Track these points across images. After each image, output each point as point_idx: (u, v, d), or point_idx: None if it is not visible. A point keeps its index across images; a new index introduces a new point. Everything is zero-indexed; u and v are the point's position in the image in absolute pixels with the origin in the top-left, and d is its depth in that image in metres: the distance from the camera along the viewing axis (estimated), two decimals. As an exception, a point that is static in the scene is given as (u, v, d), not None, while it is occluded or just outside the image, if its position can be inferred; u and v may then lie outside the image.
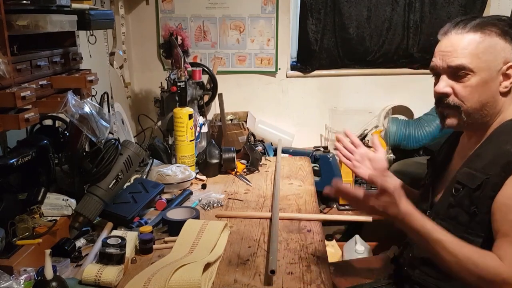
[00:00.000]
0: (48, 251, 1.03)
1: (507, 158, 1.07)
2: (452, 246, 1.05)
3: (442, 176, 1.30)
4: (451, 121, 1.19)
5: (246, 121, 2.91)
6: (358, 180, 2.62)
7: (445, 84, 1.17)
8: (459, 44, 1.15)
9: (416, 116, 3.14)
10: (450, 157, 1.31)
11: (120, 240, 1.22)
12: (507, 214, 1.05)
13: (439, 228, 1.08)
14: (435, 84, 1.20)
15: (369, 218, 1.70)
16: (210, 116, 3.03)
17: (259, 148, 2.30)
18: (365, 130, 3.06)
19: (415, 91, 3.14)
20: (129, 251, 1.28)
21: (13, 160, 1.27)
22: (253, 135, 2.69)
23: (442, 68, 1.17)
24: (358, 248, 2.54)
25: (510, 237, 1.04)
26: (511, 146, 1.08)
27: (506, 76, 1.14)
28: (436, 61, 1.19)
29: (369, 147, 3.03)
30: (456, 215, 1.14)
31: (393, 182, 1.11)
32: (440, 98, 1.19)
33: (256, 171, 2.06)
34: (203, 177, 1.97)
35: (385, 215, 1.11)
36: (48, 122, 1.65)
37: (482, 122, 1.18)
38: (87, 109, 1.39)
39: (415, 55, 3.09)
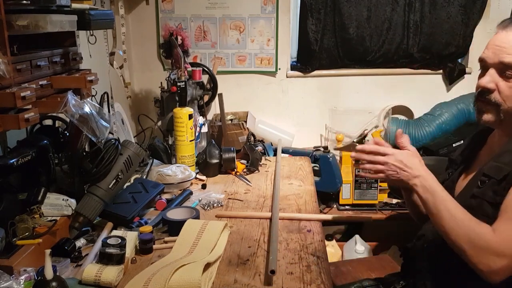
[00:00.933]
0: (48, 251, 1.03)
1: None
2: (453, 209, 1.11)
3: (466, 172, 1.30)
4: (488, 117, 1.18)
5: (246, 121, 2.91)
6: (358, 180, 2.62)
7: (490, 79, 1.16)
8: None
9: (416, 116, 3.14)
10: (475, 155, 1.30)
11: (120, 240, 1.22)
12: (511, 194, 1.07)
13: (447, 193, 1.14)
14: (480, 76, 1.19)
15: (369, 218, 1.70)
16: (210, 116, 3.03)
17: (259, 148, 2.30)
18: (365, 130, 3.06)
19: (415, 91, 3.14)
20: (129, 251, 1.28)
21: (13, 160, 1.27)
22: (253, 135, 2.69)
23: (492, 62, 1.16)
24: (358, 248, 2.54)
25: (507, 214, 1.07)
26: None
27: None
28: (488, 53, 1.16)
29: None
30: (478, 205, 1.14)
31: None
32: (482, 92, 1.17)
33: (256, 171, 2.06)
34: (203, 177, 1.97)
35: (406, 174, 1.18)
36: (48, 122, 1.65)
37: None
38: (87, 109, 1.39)
39: (415, 55, 3.09)
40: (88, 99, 1.49)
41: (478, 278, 1.07)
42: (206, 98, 2.78)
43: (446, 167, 1.40)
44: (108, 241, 1.22)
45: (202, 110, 2.56)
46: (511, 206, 1.07)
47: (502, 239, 1.05)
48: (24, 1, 1.19)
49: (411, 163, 1.18)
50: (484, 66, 1.18)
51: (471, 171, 1.28)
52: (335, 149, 2.94)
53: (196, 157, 2.07)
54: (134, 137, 2.48)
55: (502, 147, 1.18)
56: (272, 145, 2.56)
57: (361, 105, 3.11)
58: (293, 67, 3.22)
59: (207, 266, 1.21)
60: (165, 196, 1.73)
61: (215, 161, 2.00)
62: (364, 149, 1.24)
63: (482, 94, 1.18)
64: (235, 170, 2.03)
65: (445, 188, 1.23)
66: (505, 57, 1.13)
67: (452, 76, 3.12)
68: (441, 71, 3.14)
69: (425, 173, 1.17)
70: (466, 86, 3.13)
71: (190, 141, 2.02)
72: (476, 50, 3.24)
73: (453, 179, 1.32)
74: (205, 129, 2.34)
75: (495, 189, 1.12)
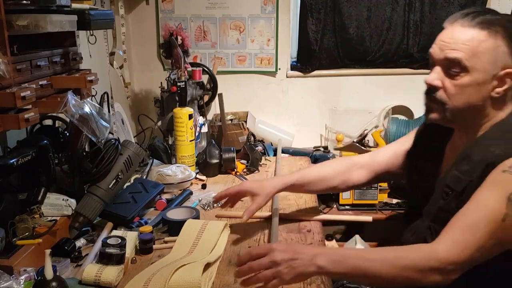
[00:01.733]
0: (48, 251, 1.03)
1: (490, 159, 1.04)
2: (381, 269, 1.01)
3: (437, 170, 1.26)
4: (434, 115, 1.16)
5: (246, 121, 2.91)
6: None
7: (436, 77, 1.13)
8: (461, 37, 1.09)
9: (416, 116, 3.14)
10: (443, 151, 1.27)
11: (120, 240, 1.22)
12: (469, 202, 1.04)
13: (355, 250, 1.08)
14: (430, 72, 1.16)
15: (369, 218, 1.70)
16: (210, 116, 3.03)
17: (259, 148, 2.30)
18: (365, 130, 3.06)
19: (415, 91, 3.13)
20: (129, 251, 1.28)
21: (13, 160, 1.27)
22: (253, 135, 2.69)
23: (438, 59, 1.13)
24: (358, 248, 2.54)
25: (459, 220, 1.03)
26: (496, 148, 1.05)
27: (501, 82, 1.09)
28: (435, 49, 1.13)
29: (370, 147, 3.03)
30: (446, 218, 1.11)
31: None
32: (429, 89, 1.15)
33: (256, 171, 2.06)
34: (203, 177, 1.97)
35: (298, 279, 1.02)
36: (48, 122, 1.65)
37: (468, 124, 1.15)
38: (87, 109, 1.39)
39: (415, 55, 3.09)
40: (88, 99, 1.49)
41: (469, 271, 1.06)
42: (206, 98, 2.78)
43: (413, 155, 1.34)
44: (108, 241, 1.22)
45: (202, 110, 2.56)
46: (468, 211, 1.04)
47: (447, 248, 1.01)
48: (24, 1, 1.19)
49: (297, 247, 1.04)
50: (432, 62, 1.15)
51: (441, 168, 1.24)
52: (335, 149, 2.94)
53: (196, 157, 2.07)
54: (134, 137, 2.48)
55: (462, 151, 1.14)
56: (272, 145, 2.56)
57: (361, 105, 3.11)
58: (293, 67, 3.22)
59: (207, 266, 1.21)
60: (165, 196, 1.73)
61: (215, 161, 2.00)
62: (241, 261, 1.04)
63: (429, 92, 1.15)
64: (235, 170, 2.03)
65: (425, 182, 1.21)
66: (449, 53, 1.09)
67: (452, 76, 3.12)
68: (441, 71, 3.14)
69: (318, 248, 1.08)
70: (466, 86, 3.12)
71: (190, 141, 2.02)
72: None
73: (433, 172, 1.25)
74: (205, 129, 2.34)
75: (457, 202, 1.10)
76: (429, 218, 1.17)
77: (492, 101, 1.11)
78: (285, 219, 1.55)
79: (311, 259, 1.00)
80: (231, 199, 1.48)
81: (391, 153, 1.45)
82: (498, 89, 1.10)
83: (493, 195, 1.02)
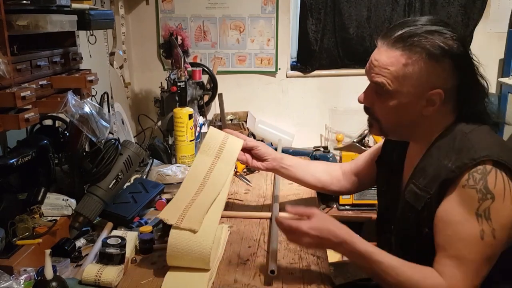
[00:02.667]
0: (48, 251, 1.03)
1: (445, 175, 1.05)
2: (392, 269, 1.05)
3: (398, 181, 1.26)
4: (374, 131, 1.19)
5: (246, 121, 2.91)
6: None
7: (364, 97, 1.16)
8: (383, 61, 1.08)
9: (416, 116, 3.13)
10: (403, 161, 1.27)
11: (120, 240, 1.22)
12: (444, 229, 1.05)
13: (379, 251, 1.08)
14: None
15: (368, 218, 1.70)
16: (210, 116, 3.03)
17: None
18: (365, 130, 3.06)
19: (415, 91, 3.13)
20: (129, 251, 1.28)
21: (13, 160, 1.27)
22: (253, 135, 2.69)
23: (369, 79, 1.14)
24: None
25: (447, 252, 1.04)
26: (448, 161, 1.05)
27: (429, 102, 1.08)
28: (366, 68, 1.14)
29: (369, 147, 3.03)
30: (414, 235, 1.13)
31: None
32: (365, 107, 1.18)
33: (256, 171, 2.06)
34: (203, 177, 1.97)
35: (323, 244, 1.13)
36: (48, 122, 1.65)
37: (415, 136, 1.16)
38: (87, 109, 1.39)
39: (415, 55, 3.09)
40: (88, 99, 1.49)
41: None
42: (206, 98, 2.78)
43: (381, 167, 1.36)
44: (108, 241, 1.22)
45: (202, 110, 2.56)
46: (450, 240, 1.03)
47: (455, 283, 1.01)
48: (24, 1, 1.19)
49: (326, 232, 1.10)
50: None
51: (404, 176, 1.24)
52: (335, 149, 2.94)
53: (196, 157, 2.07)
54: (134, 137, 2.48)
55: (417, 163, 1.15)
56: (272, 145, 2.56)
57: (361, 105, 3.11)
58: (293, 67, 3.22)
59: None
60: (165, 196, 1.73)
61: (215, 161, 2.00)
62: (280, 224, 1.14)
63: (366, 109, 1.18)
64: (235, 170, 2.03)
65: (389, 191, 1.23)
66: (374, 77, 1.11)
67: (452, 76, 3.12)
68: (441, 71, 3.14)
69: (347, 236, 1.10)
70: (466, 86, 3.12)
71: (190, 141, 2.02)
72: (476, 50, 3.23)
73: (395, 183, 1.26)
74: (205, 129, 2.34)
75: (418, 220, 1.10)
76: (394, 234, 1.20)
77: (426, 118, 1.11)
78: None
79: (336, 245, 1.10)
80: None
81: (368, 160, 1.47)
82: (428, 109, 1.09)
83: (463, 217, 1.02)
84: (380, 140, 1.44)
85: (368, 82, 1.17)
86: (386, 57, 1.09)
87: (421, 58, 1.05)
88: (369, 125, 1.21)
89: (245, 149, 1.48)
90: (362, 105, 1.20)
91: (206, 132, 2.37)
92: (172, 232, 1.18)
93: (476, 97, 1.11)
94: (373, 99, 1.14)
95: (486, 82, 1.12)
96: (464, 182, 1.02)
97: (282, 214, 1.56)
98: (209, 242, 1.16)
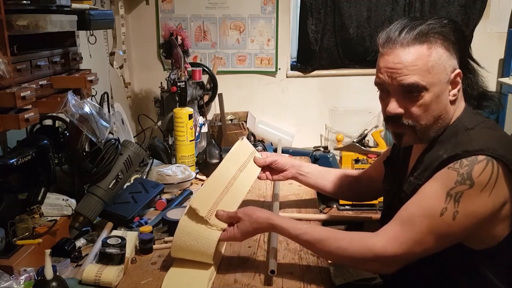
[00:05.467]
0: (48, 251, 1.03)
1: (437, 163, 1.06)
2: (319, 242, 1.13)
3: (403, 178, 1.25)
4: (407, 139, 1.15)
5: (246, 121, 2.91)
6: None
7: (397, 106, 1.11)
8: (407, 60, 1.07)
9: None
10: (409, 157, 1.27)
11: (120, 240, 1.22)
12: (410, 204, 1.07)
13: (309, 227, 1.16)
14: (382, 98, 1.15)
15: (369, 217, 1.70)
16: (210, 116, 3.03)
17: (259, 148, 2.30)
18: (365, 130, 3.06)
19: (415, 91, 3.13)
20: (129, 251, 1.28)
21: (13, 160, 1.27)
22: (253, 135, 2.69)
23: (393, 87, 1.09)
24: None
25: (399, 215, 1.07)
26: (444, 152, 1.06)
27: (454, 84, 1.11)
28: (384, 78, 1.10)
29: (370, 147, 3.03)
30: None
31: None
32: (393, 118, 1.13)
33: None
34: (203, 177, 1.97)
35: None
36: (48, 122, 1.65)
37: (440, 131, 1.16)
38: (87, 109, 1.39)
39: (415, 55, 3.10)
40: (88, 99, 1.49)
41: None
42: (206, 98, 2.78)
43: (389, 169, 1.36)
44: (108, 241, 1.21)
45: (202, 110, 2.57)
46: (409, 205, 1.07)
47: (388, 240, 1.06)
48: (24, 1, 1.19)
49: (255, 231, 1.21)
50: (383, 89, 1.14)
51: (406, 177, 1.24)
52: (335, 149, 2.95)
53: (196, 157, 2.07)
54: (134, 137, 2.48)
55: (419, 157, 1.16)
56: (272, 145, 2.56)
57: (361, 105, 3.11)
58: (293, 67, 3.22)
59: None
60: (165, 196, 1.73)
61: (215, 161, 2.00)
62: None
63: (394, 120, 1.13)
64: (235, 170, 2.03)
65: (392, 195, 1.24)
66: (403, 79, 1.07)
67: (452, 76, 3.12)
68: (441, 71, 3.14)
69: (273, 223, 1.18)
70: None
71: (190, 141, 2.02)
72: (476, 50, 3.23)
73: (400, 180, 1.26)
74: (205, 129, 2.34)
75: None
76: None
77: (451, 105, 1.13)
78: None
79: (266, 228, 1.20)
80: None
81: (379, 164, 1.47)
82: (454, 91, 1.11)
83: (434, 190, 1.04)
84: (383, 145, 1.44)
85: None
86: (407, 54, 1.07)
87: (438, 43, 1.08)
88: (398, 136, 1.16)
89: (265, 166, 1.50)
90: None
91: (206, 132, 2.39)
92: (183, 220, 1.20)
93: (477, 77, 1.15)
94: (406, 104, 1.11)
95: (477, 62, 1.17)
96: (450, 165, 1.04)
97: (281, 214, 1.56)
98: (215, 238, 1.18)
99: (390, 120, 1.13)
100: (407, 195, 1.13)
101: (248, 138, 2.60)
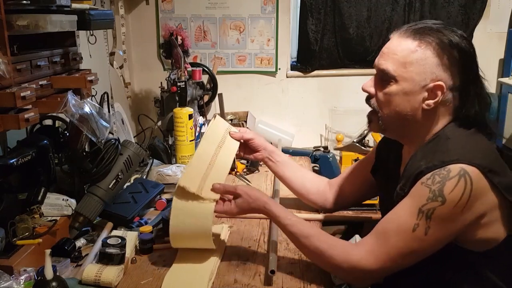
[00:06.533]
0: (48, 251, 1.03)
1: (416, 174, 1.06)
2: (305, 238, 1.15)
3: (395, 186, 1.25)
4: (372, 126, 1.20)
5: (246, 121, 2.91)
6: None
7: (370, 84, 1.17)
8: (393, 48, 1.11)
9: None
10: (399, 165, 1.27)
11: (120, 240, 1.22)
12: (386, 219, 1.09)
13: (298, 221, 1.19)
14: None
15: (368, 217, 1.70)
16: (210, 116, 3.03)
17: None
18: (365, 130, 3.06)
19: (415, 91, 3.13)
20: (129, 251, 1.28)
21: (13, 160, 1.27)
22: (253, 135, 2.68)
23: (375, 68, 1.16)
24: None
25: (376, 229, 1.09)
26: (424, 162, 1.06)
27: (431, 93, 1.09)
28: (377, 58, 1.16)
29: (370, 147, 3.03)
30: None
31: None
32: (366, 96, 1.18)
33: (256, 171, 2.06)
34: (203, 177, 1.97)
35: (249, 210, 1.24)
36: (48, 122, 1.65)
37: (410, 138, 1.17)
38: (87, 109, 1.39)
39: (415, 55, 3.09)
40: (88, 99, 1.49)
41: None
42: (206, 98, 2.78)
43: (385, 179, 1.34)
44: (108, 241, 1.22)
45: (202, 110, 2.56)
46: (384, 221, 1.09)
47: (366, 255, 1.07)
48: (24, 1, 1.19)
49: (250, 210, 1.24)
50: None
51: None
52: (335, 149, 2.95)
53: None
54: (134, 137, 2.48)
55: (405, 166, 1.16)
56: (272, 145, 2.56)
57: (361, 105, 3.10)
58: (293, 67, 3.22)
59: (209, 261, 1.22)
60: (165, 196, 1.73)
61: (215, 161, 2.00)
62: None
63: (366, 99, 1.18)
64: (235, 170, 2.03)
65: (388, 206, 1.22)
66: (380, 64, 1.13)
67: (452, 76, 3.12)
68: (441, 71, 3.14)
69: (267, 202, 1.22)
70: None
71: (190, 141, 2.02)
72: (476, 50, 3.23)
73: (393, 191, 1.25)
74: (205, 129, 2.34)
75: None
76: None
77: (425, 113, 1.11)
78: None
79: (261, 210, 1.22)
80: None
81: (352, 175, 1.49)
82: (429, 101, 1.10)
83: (407, 207, 1.05)
84: (371, 151, 1.44)
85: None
86: (398, 44, 1.11)
87: (430, 46, 1.07)
88: (368, 120, 1.21)
89: (242, 142, 1.50)
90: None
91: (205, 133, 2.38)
92: (174, 201, 1.21)
93: (475, 103, 1.11)
94: (376, 87, 1.15)
95: (489, 97, 1.14)
96: (424, 180, 1.04)
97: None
98: (210, 209, 1.20)
99: (366, 99, 1.19)
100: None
101: (248, 138, 2.60)
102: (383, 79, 1.12)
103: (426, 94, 1.09)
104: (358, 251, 1.09)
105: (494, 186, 1.02)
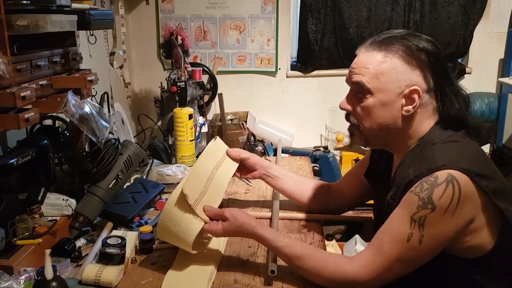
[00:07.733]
0: (48, 251, 1.03)
1: (405, 183, 1.06)
2: (297, 259, 1.13)
3: (387, 190, 1.24)
4: (355, 139, 1.19)
5: (246, 121, 2.91)
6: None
7: (345, 101, 1.17)
8: (362, 62, 1.13)
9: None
10: (391, 170, 1.26)
11: (120, 240, 1.22)
12: (380, 231, 1.09)
13: (290, 242, 1.16)
14: None
15: (369, 217, 1.70)
16: (210, 116, 3.03)
17: (259, 148, 2.30)
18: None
19: (415, 91, 3.14)
20: (129, 251, 1.28)
21: (13, 160, 1.27)
22: (253, 135, 2.69)
23: (348, 84, 1.17)
24: (358, 248, 2.52)
25: (369, 246, 1.10)
26: (412, 170, 1.06)
27: (409, 99, 1.09)
28: (347, 75, 1.17)
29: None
30: None
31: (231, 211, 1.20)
32: (346, 114, 1.18)
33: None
34: (203, 177, 1.97)
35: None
36: (48, 122, 1.65)
37: (396, 145, 1.17)
38: (87, 109, 1.39)
39: (415, 55, 3.10)
40: (88, 99, 1.49)
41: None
42: (206, 98, 2.78)
43: (377, 184, 1.35)
44: (108, 241, 1.21)
45: (202, 110, 2.57)
46: (379, 232, 1.09)
47: (362, 268, 1.06)
48: (24, 1, 1.19)
49: (237, 233, 1.21)
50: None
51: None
52: (335, 149, 2.95)
53: (196, 157, 2.07)
54: (134, 137, 2.48)
55: (394, 173, 1.16)
56: (272, 145, 2.56)
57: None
58: (293, 67, 3.22)
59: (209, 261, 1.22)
60: (165, 196, 1.73)
61: (215, 161, 2.00)
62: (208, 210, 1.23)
63: (346, 116, 1.19)
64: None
65: (379, 210, 1.24)
66: (353, 77, 1.14)
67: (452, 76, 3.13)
68: (441, 71, 3.15)
69: (256, 224, 1.19)
70: (466, 86, 3.08)
71: (190, 141, 2.02)
72: (476, 50, 3.24)
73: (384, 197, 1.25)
74: (205, 129, 2.34)
75: None
76: None
77: (405, 120, 1.12)
78: (285, 218, 1.55)
79: (249, 234, 1.19)
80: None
81: (353, 175, 1.48)
82: (408, 107, 1.10)
83: (399, 216, 1.05)
84: (366, 154, 1.44)
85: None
86: (365, 57, 1.13)
87: (397, 54, 1.09)
88: (350, 134, 1.21)
89: (239, 160, 1.50)
90: None
91: (206, 132, 2.39)
92: (168, 204, 1.20)
93: (454, 101, 1.12)
94: (354, 103, 1.16)
95: (467, 94, 1.16)
96: (412, 189, 1.04)
97: (281, 214, 1.57)
98: (197, 228, 1.19)
99: (346, 116, 1.19)
100: (387, 215, 1.13)
101: (248, 138, 2.61)
102: (359, 92, 1.13)
103: (403, 100, 1.10)
104: (353, 265, 1.08)
105: (482, 190, 1.01)
